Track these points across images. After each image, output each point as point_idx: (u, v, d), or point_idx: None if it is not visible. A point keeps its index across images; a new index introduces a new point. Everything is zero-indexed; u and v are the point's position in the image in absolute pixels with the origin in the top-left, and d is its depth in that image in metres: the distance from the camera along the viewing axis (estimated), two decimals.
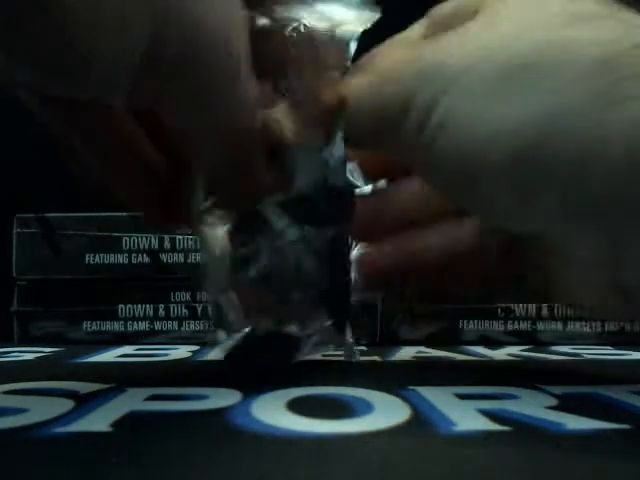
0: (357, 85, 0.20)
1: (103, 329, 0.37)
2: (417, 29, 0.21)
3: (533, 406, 0.18)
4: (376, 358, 0.30)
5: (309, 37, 0.20)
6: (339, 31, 0.21)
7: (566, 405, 0.18)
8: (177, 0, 0.15)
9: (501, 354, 0.32)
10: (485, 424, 0.16)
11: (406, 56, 0.19)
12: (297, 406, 0.18)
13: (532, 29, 0.17)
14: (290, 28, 0.20)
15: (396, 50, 0.20)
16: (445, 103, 0.17)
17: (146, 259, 0.37)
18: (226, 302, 0.21)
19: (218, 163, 0.19)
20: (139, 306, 0.37)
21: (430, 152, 0.18)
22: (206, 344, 0.35)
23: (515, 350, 0.33)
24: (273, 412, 0.17)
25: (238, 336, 0.21)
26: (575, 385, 0.21)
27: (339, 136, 0.20)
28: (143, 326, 0.37)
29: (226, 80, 0.17)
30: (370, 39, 0.21)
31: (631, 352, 0.32)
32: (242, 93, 0.17)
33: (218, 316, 0.22)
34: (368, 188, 0.24)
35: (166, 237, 0.37)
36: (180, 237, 0.37)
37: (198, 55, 0.16)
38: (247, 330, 0.22)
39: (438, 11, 0.20)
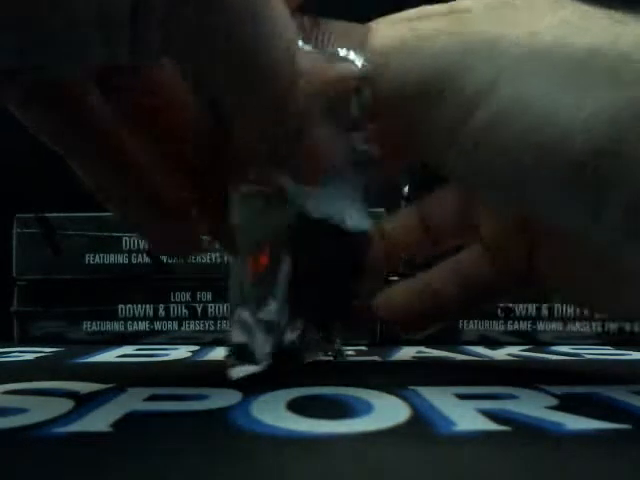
0: (389, 38, 0.17)
1: (103, 329, 0.37)
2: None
3: (533, 406, 0.18)
4: (376, 358, 0.30)
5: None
6: None
7: (566, 405, 0.18)
8: None
9: (501, 354, 0.32)
10: (485, 424, 0.16)
11: (449, 26, 0.17)
12: (297, 406, 0.18)
13: (597, 21, 0.16)
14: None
15: (436, 16, 0.18)
16: (508, 88, 0.16)
17: (146, 259, 0.37)
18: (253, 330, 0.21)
19: (264, 136, 0.17)
20: (139, 306, 0.37)
21: (486, 138, 0.16)
22: (205, 345, 0.35)
23: (515, 350, 0.33)
24: (273, 412, 0.17)
25: (260, 367, 0.20)
26: (575, 385, 0.21)
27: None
28: (143, 326, 0.37)
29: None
30: None
31: (631, 352, 0.32)
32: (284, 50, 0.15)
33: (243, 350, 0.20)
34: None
35: None
36: None
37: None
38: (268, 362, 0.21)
39: None
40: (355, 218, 0.21)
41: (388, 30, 0.18)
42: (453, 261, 0.25)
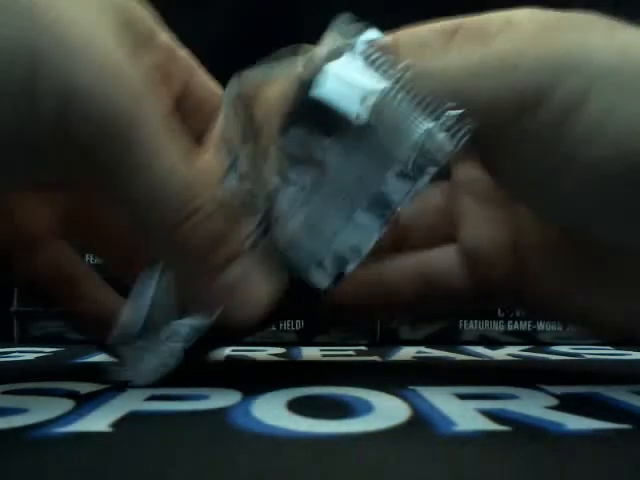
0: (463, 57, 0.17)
1: None
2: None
3: (533, 406, 0.18)
4: (376, 358, 0.30)
5: None
6: None
7: (566, 405, 0.18)
8: (82, 78, 0.16)
9: (501, 354, 0.32)
10: (485, 424, 0.16)
11: (534, 40, 0.17)
12: (297, 406, 0.18)
13: None
14: None
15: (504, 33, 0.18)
16: (603, 98, 0.16)
17: None
18: None
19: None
20: None
21: (577, 149, 0.16)
22: None
23: (515, 350, 0.33)
24: (273, 412, 0.17)
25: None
26: (575, 385, 0.21)
27: None
28: None
29: (137, 158, 0.17)
30: None
31: (631, 352, 0.33)
32: (166, 168, 0.17)
33: None
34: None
35: None
36: None
37: (104, 134, 0.16)
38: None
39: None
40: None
41: (453, 56, 0.18)
42: (420, 261, 0.23)
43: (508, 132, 0.17)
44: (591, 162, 0.17)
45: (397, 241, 0.23)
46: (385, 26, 0.19)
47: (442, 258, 0.23)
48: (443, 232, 0.23)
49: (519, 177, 0.18)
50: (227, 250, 0.18)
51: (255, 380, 0.22)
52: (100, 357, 0.30)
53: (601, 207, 0.17)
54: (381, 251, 0.21)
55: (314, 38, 0.19)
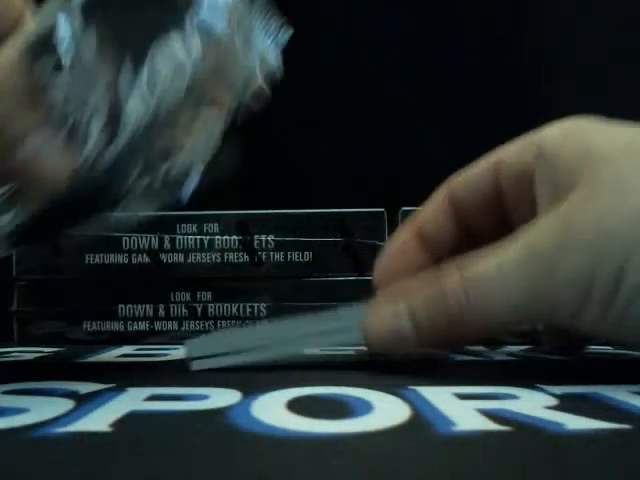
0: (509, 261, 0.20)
1: (103, 329, 0.37)
2: None
3: (533, 406, 0.18)
4: (376, 358, 0.30)
5: None
6: None
7: (566, 405, 0.18)
8: None
9: (501, 354, 0.32)
10: (485, 424, 0.16)
11: (551, 227, 0.19)
12: (297, 406, 0.18)
13: None
14: None
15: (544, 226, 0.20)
16: (635, 266, 0.18)
17: (146, 259, 0.37)
18: None
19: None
20: (139, 306, 0.37)
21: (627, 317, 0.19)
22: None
23: (515, 350, 0.33)
24: (273, 412, 0.17)
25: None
26: (575, 385, 0.21)
27: None
28: (143, 326, 0.37)
29: None
30: None
31: (631, 352, 0.32)
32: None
33: None
34: None
35: (166, 237, 0.37)
36: (180, 237, 0.37)
37: None
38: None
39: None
40: None
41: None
42: None
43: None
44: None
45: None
46: None
47: None
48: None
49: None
50: (17, 129, 0.18)
51: (255, 380, 0.22)
52: (100, 357, 0.30)
53: None
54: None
55: None
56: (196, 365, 0.25)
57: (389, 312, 0.23)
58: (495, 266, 0.20)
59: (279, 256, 0.37)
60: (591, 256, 0.19)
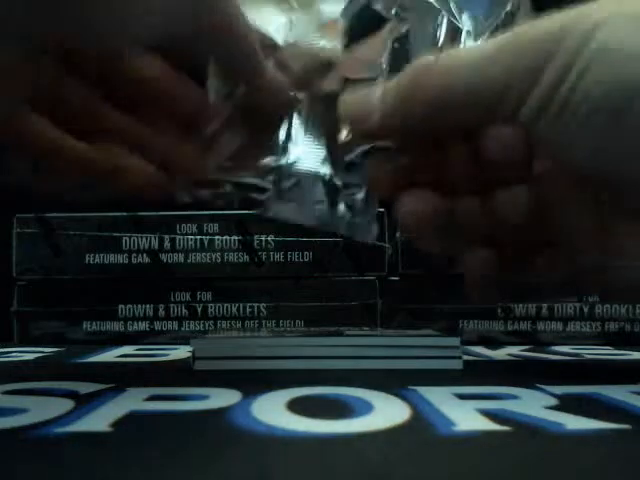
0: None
1: (103, 329, 0.37)
2: None
3: (533, 406, 0.18)
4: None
5: None
6: None
7: (566, 405, 0.18)
8: None
9: (501, 354, 0.32)
10: (485, 424, 0.16)
11: (538, 20, 0.20)
12: (297, 406, 0.18)
13: None
14: None
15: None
16: (600, 37, 0.18)
17: (146, 259, 0.37)
18: None
19: None
20: (139, 306, 0.37)
21: (590, 74, 0.18)
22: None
23: (515, 350, 0.33)
24: (273, 412, 0.17)
25: None
26: (575, 385, 0.21)
27: None
28: (143, 326, 0.37)
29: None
30: None
31: (631, 352, 0.32)
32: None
33: None
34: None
35: (166, 237, 0.37)
36: (180, 237, 0.37)
37: None
38: None
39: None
40: None
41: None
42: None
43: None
44: (594, 87, 0.18)
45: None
46: None
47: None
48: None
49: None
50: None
51: (255, 380, 0.22)
52: (100, 357, 0.30)
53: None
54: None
55: None
56: (199, 365, 0.25)
57: (363, 89, 0.23)
58: (455, 51, 0.22)
59: (279, 256, 0.37)
60: (555, 31, 0.19)
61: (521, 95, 0.19)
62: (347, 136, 0.23)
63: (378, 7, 0.24)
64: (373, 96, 0.22)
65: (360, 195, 0.24)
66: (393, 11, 0.24)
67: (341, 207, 0.24)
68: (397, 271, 0.37)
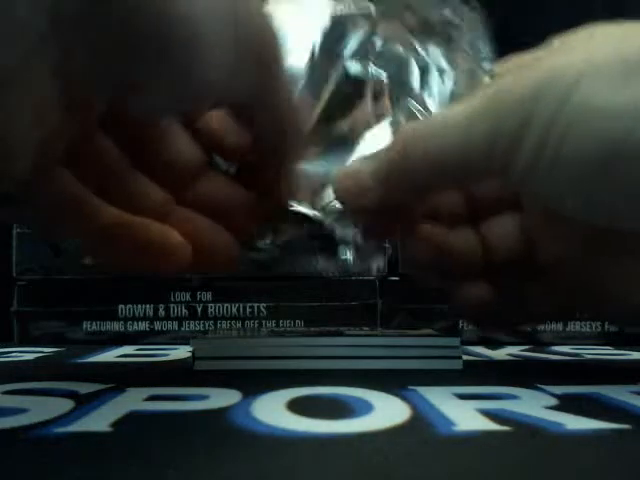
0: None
1: (103, 329, 0.37)
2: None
3: (533, 406, 0.18)
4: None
5: None
6: None
7: (566, 405, 0.18)
8: None
9: (501, 354, 0.32)
10: (485, 424, 0.16)
11: (515, 77, 0.20)
12: (297, 406, 0.18)
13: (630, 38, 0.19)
14: None
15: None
16: (576, 98, 0.18)
17: None
18: None
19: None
20: (139, 306, 0.37)
21: (572, 138, 0.18)
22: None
23: (515, 350, 0.33)
24: (273, 412, 0.17)
25: None
26: (575, 385, 0.21)
27: None
28: (143, 326, 0.37)
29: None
30: None
31: (631, 352, 0.32)
32: None
33: None
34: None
35: None
36: None
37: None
38: None
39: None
40: None
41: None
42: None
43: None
44: (575, 152, 0.18)
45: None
46: None
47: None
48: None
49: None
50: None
51: (255, 380, 0.22)
52: (100, 357, 0.30)
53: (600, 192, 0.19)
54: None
55: None
56: (199, 365, 0.25)
57: (355, 164, 0.24)
58: (441, 115, 0.22)
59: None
60: (532, 94, 0.19)
61: (507, 154, 0.19)
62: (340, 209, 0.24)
63: (355, 71, 0.24)
64: (365, 172, 0.22)
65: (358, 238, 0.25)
66: (370, 68, 0.24)
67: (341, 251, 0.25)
68: (397, 271, 0.37)
